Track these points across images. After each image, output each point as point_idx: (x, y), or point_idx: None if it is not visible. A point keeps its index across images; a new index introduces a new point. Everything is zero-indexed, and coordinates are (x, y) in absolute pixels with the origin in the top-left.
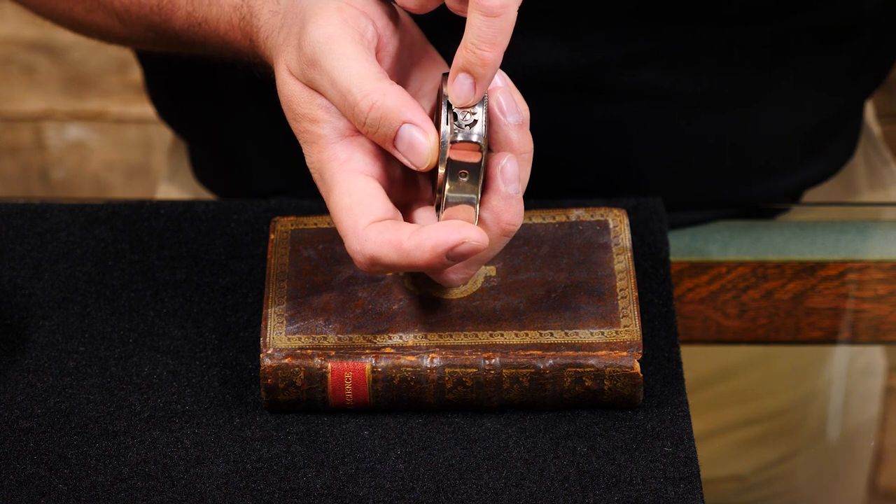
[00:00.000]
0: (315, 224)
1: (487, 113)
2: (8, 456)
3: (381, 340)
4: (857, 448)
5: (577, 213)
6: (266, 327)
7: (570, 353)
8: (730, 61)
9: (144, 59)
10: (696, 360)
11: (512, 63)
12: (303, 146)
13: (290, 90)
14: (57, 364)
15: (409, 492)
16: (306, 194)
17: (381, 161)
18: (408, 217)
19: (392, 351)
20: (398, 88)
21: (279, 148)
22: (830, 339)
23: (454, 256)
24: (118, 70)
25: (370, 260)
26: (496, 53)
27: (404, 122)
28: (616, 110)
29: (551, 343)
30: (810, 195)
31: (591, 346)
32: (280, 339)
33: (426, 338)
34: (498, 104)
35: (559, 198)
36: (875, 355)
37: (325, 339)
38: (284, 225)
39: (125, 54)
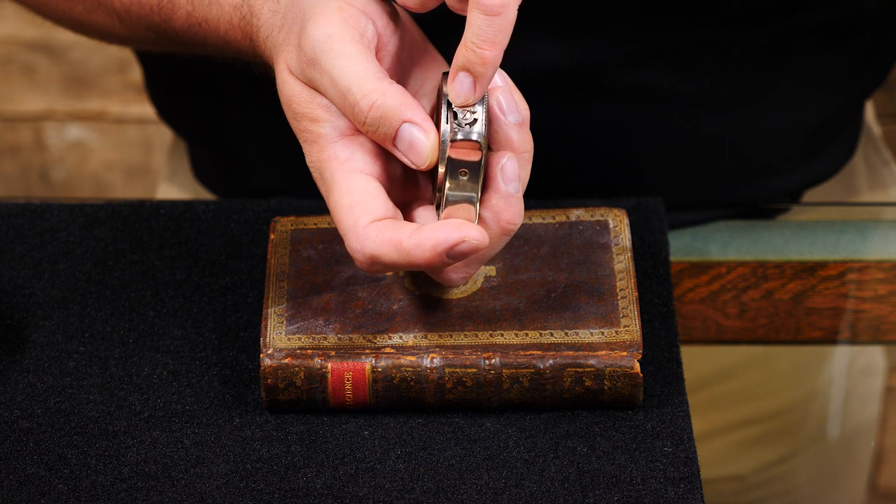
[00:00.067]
0: (315, 224)
1: (487, 112)
2: (8, 456)
3: (381, 340)
4: (857, 448)
5: (577, 213)
6: (266, 327)
7: (570, 353)
8: (730, 61)
9: (144, 58)
10: (696, 360)
11: (512, 62)
12: (303, 145)
13: (291, 89)
14: (57, 364)
15: (409, 492)
16: (306, 194)
17: (381, 160)
18: (408, 216)
19: (392, 351)
20: (398, 88)
21: (279, 147)
22: (830, 339)
23: (454, 255)
24: (118, 70)
25: (370, 259)
26: (496, 52)
27: (404, 122)
28: (616, 110)
29: (551, 343)
30: (810, 195)
31: (591, 346)
32: (280, 339)
33: (426, 338)
34: (498, 103)
35: (559, 198)
36: (875, 355)
37: (325, 339)
38: (284, 225)
39: (125, 54)
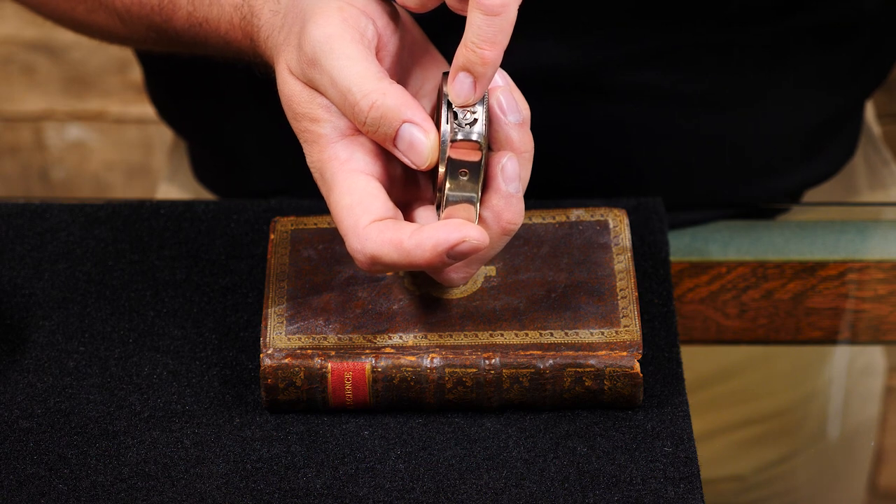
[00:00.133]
0: (315, 224)
1: (488, 112)
2: (8, 456)
3: (381, 340)
4: (857, 448)
5: (577, 213)
6: (266, 327)
7: (570, 353)
8: (730, 61)
9: (145, 58)
10: (696, 360)
11: (512, 62)
12: (303, 145)
13: (291, 90)
14: (57, 364)
15: (409, 492)
16: (306, 194)
17: (381, 160)
18: (408, 216)
19: (392, 351)
20: (398, 88)
21: (279, 147)
22: (830, 339)
23: (455, 255)
24: (118, 70)
25: (371, 259)
26: (496, 52)
27: (404, 122)
28: (616, 110)
29: (551, 343)
30: (810, 195)
31: (591, 346)
32: (280, 339)
33: (426, 338)
34: (498, 103)
35: (559, 198)
36: (875, 355)
37: (325, 339)
38: (284, 225)
39: (125, 54)
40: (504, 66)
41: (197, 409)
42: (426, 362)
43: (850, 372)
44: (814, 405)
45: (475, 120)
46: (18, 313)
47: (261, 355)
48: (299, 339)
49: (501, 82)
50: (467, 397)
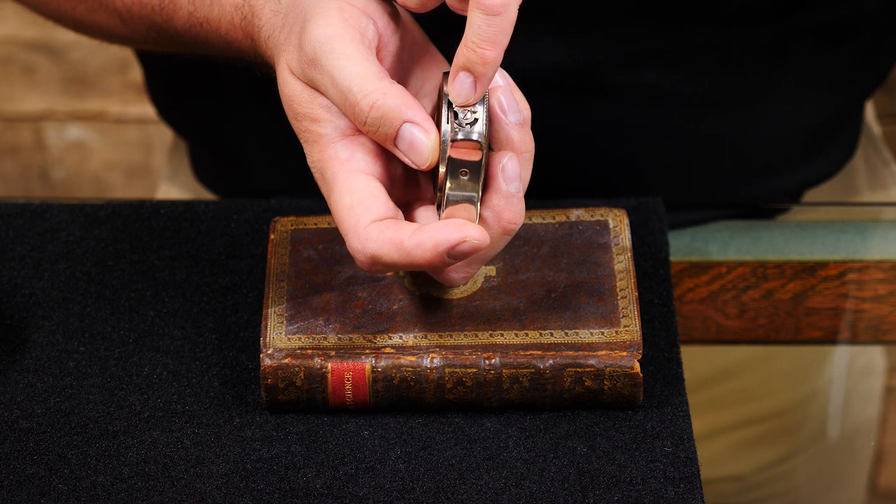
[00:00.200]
0: (315, 224)
1: (488, 112)
2: (8, 456)
3: (381, 340)
4: (857, 448)
5: (577, 213)
6: (266, 327)
7: (570, 353)
8: (730, 61)
9: (145, 58)
10: (696, 360)
11: (512, 62)
12: (304, 145)
13: (292, 90)
14: (57, 364)
15: (409, 492)
16: (307, 194)
17: (382, 160)
18: (409, 216)
19: (392, 351)
20: (399, 88)
21: (280, 147)
22: (830, 339)
23: (455, 255)
24: (118, 70)
25: (371, 259)
26: (497, 52)
27: (405, 122)
28: (616, 110)
29: (551, 343)
30: (810, 195)
31: (591, 346)
32: (280, 339)
33: (426, 338)
34: (499, 103)
35: (559, 198)
36: (875, 355)
37: (325, 339)
38: (284, 225)
39: (125, 54)
40: (504, 65)
41: (197, 409)
42: (426, 362)
43: (850, 372)
44: (814, 405)
45: (476, 120)
46: (18, 313)
47: (261, 355)
48: (299, 339)
49: (502, 82)
50: (467, 397)
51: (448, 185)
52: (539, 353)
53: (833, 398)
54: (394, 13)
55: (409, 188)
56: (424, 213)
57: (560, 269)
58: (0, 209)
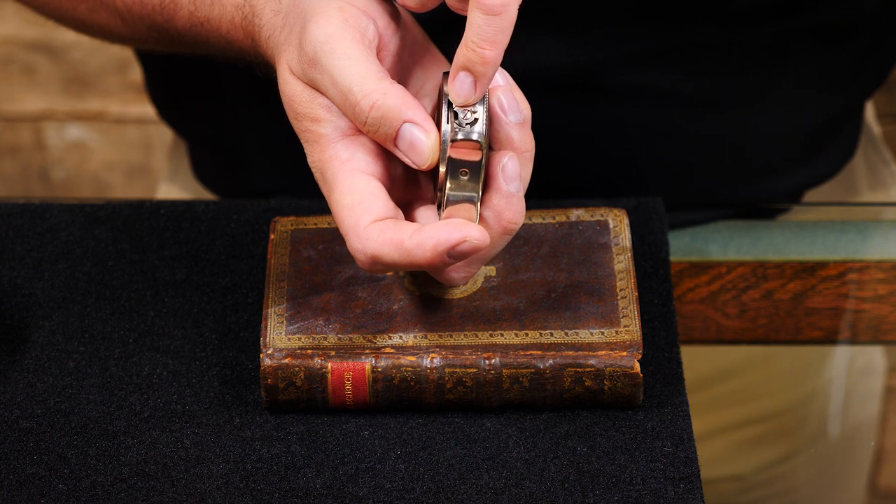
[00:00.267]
0: (315, 224)
1: (488, 111)
2: (8, 456)
3: (381, 340)
4: (857, 448)
5: (577, 213)
6: (266, 327)
7: (570, 353)
8: (730, 61)
9: (145, 58)
10: (696, 360)
11: (512, 62)
12: (304, 145)
13: (292, 89)
14: (57, 364)
15: (409, 492)
16: (307, 194)
17: (382, 160)
18: (409, 216)
19: (392, 351)
20: (399, 88)
21: (280, 147)
22: (830, 339)
23: (455, 255)
24: (118, 70)
25: (371, 259)
26: (497, 52)
27: (405, 122)
28: (616, 110)
29: (551, 343)
30: (810, 195)
31: (591, 346)
32: (280, 339)
33: (426, 338)
34: (499, 102)
35: (559, 198)
36: (875, 355)
37: (325, 339)
38: (284, 225)
39: (125, 54)
40: (504, 65)
41: (197, 409)
42: (426, 362)
43: (850, 372)
44: (814, 405)
45: (476, 119)
46: (18, 313)
47: (261, 355)
48: (299, 339)
49: (502, 82)
50: (467, 397)
51: (448, 184)
52: (539, 353)
53: (833, 398)
54: (394, 13)
55: (410, 188)
56: (425, 212)
57: (560, 269)
58: (0, 209)
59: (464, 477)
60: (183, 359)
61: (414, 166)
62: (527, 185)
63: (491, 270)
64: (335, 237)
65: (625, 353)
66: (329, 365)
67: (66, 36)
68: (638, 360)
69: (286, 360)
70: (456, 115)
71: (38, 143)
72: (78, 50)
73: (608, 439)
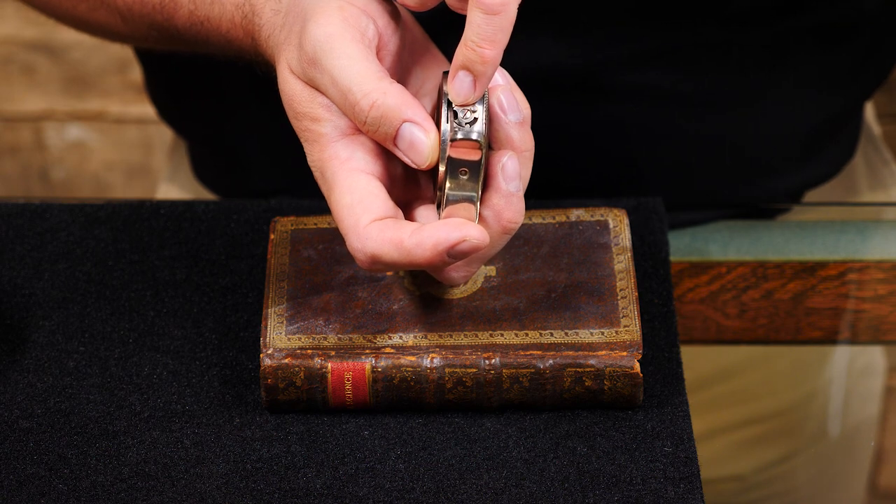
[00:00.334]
0: (315, 224)
1: (488, 111)
2: (8, 456)
3: (381, 340)
4: (857, 448)
5: (577, 213)
6: (266, 327)
7: (570, 353)
8: (730, 61)
9: (145, 57)
10: (696, 360)
11: (512, 62)
12: (304, 145)
13: (292, 89)
14: (57, 364)
15: (409, 492)
16: (307, 194)
17: (382, 159)
18: (409, 215)
19: (392, 351)
20: (398, 87)
21: (280, 147)
22: (830, 339)
23: (455, 254)
24: (118, 70)
25: (371, 258)
26: (496, 51)
27: (405, 121)
28: (616, 110)
29: (551, 343)
30: (811, 195)
31: (591, 346)
32: (280, 339)
33: (426, 338)
34: (499, 102)
35: (559, 198)
36: (875, 355)
37: (325, 339)
38: (284, 225)
39: (125, 54)
40: (504, 65)
41: (197, 409)
42: (426, 362)
43: (850, 372)
44: (814, 405)
45: (475, 119)
46: (18, 313)
47: (261, 355)
48: (299, 339)
49: (502, 81)
50: (467, 397)
51: (448, 184)
52: (539, 353)
53: (833, 398)
54: (394, 12)
55: (409, 187)
56: (424, 212)
57: (560, 269)
58: (0, 209)
59: (464, 477)
60: (183, 359)
61: (413, 166)
62: (526, 184)
63: (491, 270)
64: (335, 237)
65: (625, 353)
66: (329, 365)
67: (66, 36)
68: (638, 360)
69: (286, 360)
70: (455, 115)
71: (38, 143)
72: (78, 50)
73: (608, 439)
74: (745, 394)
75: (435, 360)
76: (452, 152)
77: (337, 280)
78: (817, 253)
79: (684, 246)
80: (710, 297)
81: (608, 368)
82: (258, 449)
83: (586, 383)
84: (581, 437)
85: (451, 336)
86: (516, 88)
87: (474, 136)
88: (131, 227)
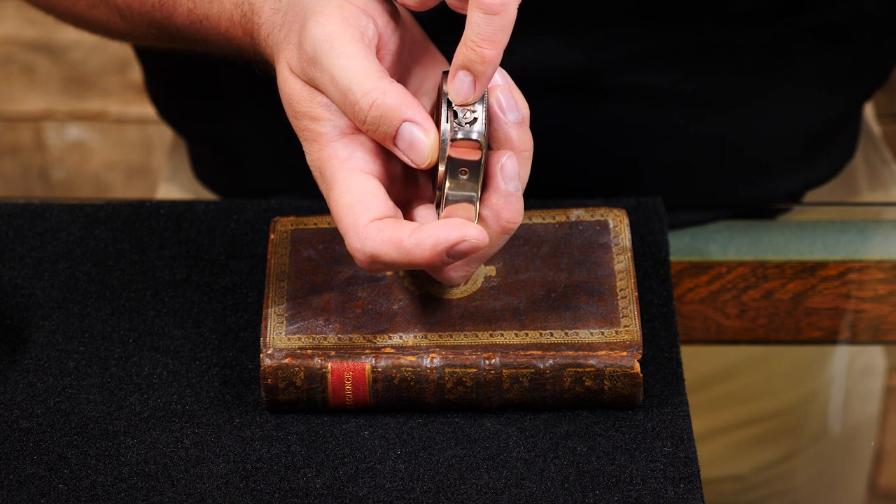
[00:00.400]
0: (315, 224)
1: (487, 111)
2: (8, 456)
3: (381, 340)
4: (857, 448)
5: (577, 213)
6: (266, 327)
7: (570, 353)
8: (730, 61)
9: (144, 56)
10: (696, 360)
11: (512, 62)
12: (303, 144)
13: (291, 88)
14: (57, 364)
15: (409, 492)
16: (307, 193)
17: (381, 159)
18: (408, 215)
19: (392, 351)
20: (398, 87)
21: (280, 146)
22: (830, 339)
23: (454, 254)
24: (118, 70)
25: (370, 258)
26: (496, 51)
27: (404, 121)
28: (616, 110)
29: (551, 343)
30: (811, 195)
31: (591, 346)
32: (280, 339)
33: (426, 338)
34: (497, 102)
35: (559, 198)
36: (875, 355)
37: (325, 339)
38: (284, 225)
39: (125, 54)
40: (504, 65)
41: (197, 409)
42: (426, 362)
43: (850, 372)
44: (814, 405)
45: (475, 119)
46: (18, 313)
47: (261, 355)
48: (299, 339)
49: (500, 81)
50: (467, 397)
51: (447, 184)
52: (539, 353)
53: (833, 398)
54: (393, 12)
55: (408, 187)
56: (423, 211)
57: (560, 269)
58: (0, 209)
59: (464, 477)
60: (183, 359)
61: (413, 165)
62: (525, 184)
63: (491, 270)
64: (335, 237)
65: (625, 353)
66: (329, 365)
67: (66, 36)
68: (638, 360)
69: (286, 360)
70: (455, 115)
71: (38, 143)
72: (78, 50)
73: (608, 439)
74: (745, 394)
75: (435, 360)
76: (452, 152)
77: (337, 280)
78: (817, 253)
79: (684, 246)
80: (710, 297)
81: (608, 368)
82: (258, 449)
83: (586, 383)
84: (581, 437)
85: (451, 336)
86: (515, 88)
87: (474, 136)
88: (131, 227)
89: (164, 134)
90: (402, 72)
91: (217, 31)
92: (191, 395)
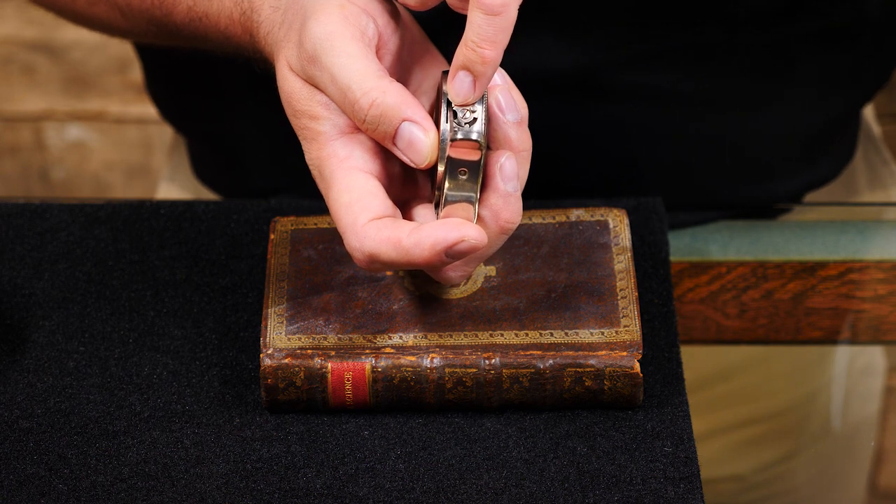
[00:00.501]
0: (315, 224)
1: (487, 111)
2: (8, 456)
3: (381, 340)
4: (857, 448)
5: (577, 213)
6: (266, 327)
7: (570, 353)
8: (731, 62)
9: (144, 54)
10: (696, 360)
11: (512, 62)
12: (302, 143)
13: (291, 86)
14: (57, 364)
15: (409, 492)
16: (307, 192)
17: (380, 158)
18: (407, 215)
19: (392, 351)
20: (398, 86)
21: (280, 145)
22: (830, 339)
23: (453, 254)
24: (118, 70)
25: (369, 257)
26: (496, 51)
27: (404, 120)
28: (616, 110)
29: (551, 343)
30: (811, 195)
31: (591, 346)
32: (280, 339)
33: (426, 338)
34: (497, 102)
35: (559, 198)
36: (875, 355)
37: (325, 339)
38: (284, 225)
39: (125, 54)
40: (504, 65)
41: (197, 409)
42: (426, 362)
43: (850, 372)
44: (814, 405)
45: (475, 119)
46: (18, 313)
47: (261, 355)
48: (299, 339)
49: (500, 81)
50: (467, 397)
51: (447, 184)
52: (539, 353)
53: (833, 398)
54: (394, 11)
55: (408, 186)
56: (422, 211)
57: (560, 269)
58: (0, 209)
59: (464, 477)
60: (183, 359)
61: (412, 165)
62: (524, 184)
63: (491, 270)
64: (335, 237)
65: (625, 353)
66: (329, 365)
67: (66, 36)
68: (638, 360)
69: (286, 360)
70: (455, 115)
71: (38, 143)
72: (78, 50)
73: (608, 439)
74: (745, 394)
75: (435, 360)
76: (452, 152)
77: (337, 280)
78: (817, 253)
79: (684, 246)
80: (710, 297)
81: (608, 368)
82: (258, 449)
83: (586, 383)
84: (581, 437)
85: (451, 336)
86: (514, 88)
87: (474, 136)
88: (131, 227)
89: (164, 134)
90: (401, 71)
91: (216, 28)
92: (191, 395)
